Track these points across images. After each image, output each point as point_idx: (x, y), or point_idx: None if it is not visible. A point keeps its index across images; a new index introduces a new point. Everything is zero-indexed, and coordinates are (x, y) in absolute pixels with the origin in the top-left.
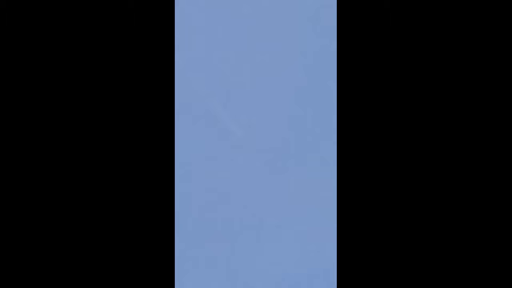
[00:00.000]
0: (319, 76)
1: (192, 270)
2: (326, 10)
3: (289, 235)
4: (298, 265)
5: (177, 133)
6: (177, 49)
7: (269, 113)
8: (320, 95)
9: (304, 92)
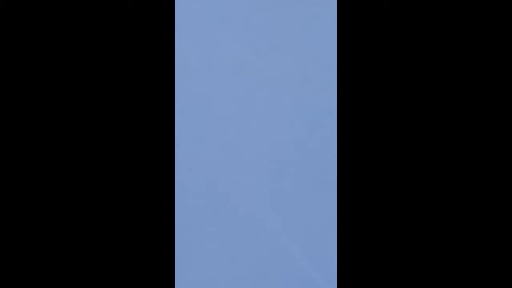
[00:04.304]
0: (319, 78)
1: (192, 270)
2: (326, 11)
3: (290, 236)
4: (298, 266)
5: (177, 133)
6: (177, 49)
7: (268, 114)
8: (320, 97)
9: (305, 94)
